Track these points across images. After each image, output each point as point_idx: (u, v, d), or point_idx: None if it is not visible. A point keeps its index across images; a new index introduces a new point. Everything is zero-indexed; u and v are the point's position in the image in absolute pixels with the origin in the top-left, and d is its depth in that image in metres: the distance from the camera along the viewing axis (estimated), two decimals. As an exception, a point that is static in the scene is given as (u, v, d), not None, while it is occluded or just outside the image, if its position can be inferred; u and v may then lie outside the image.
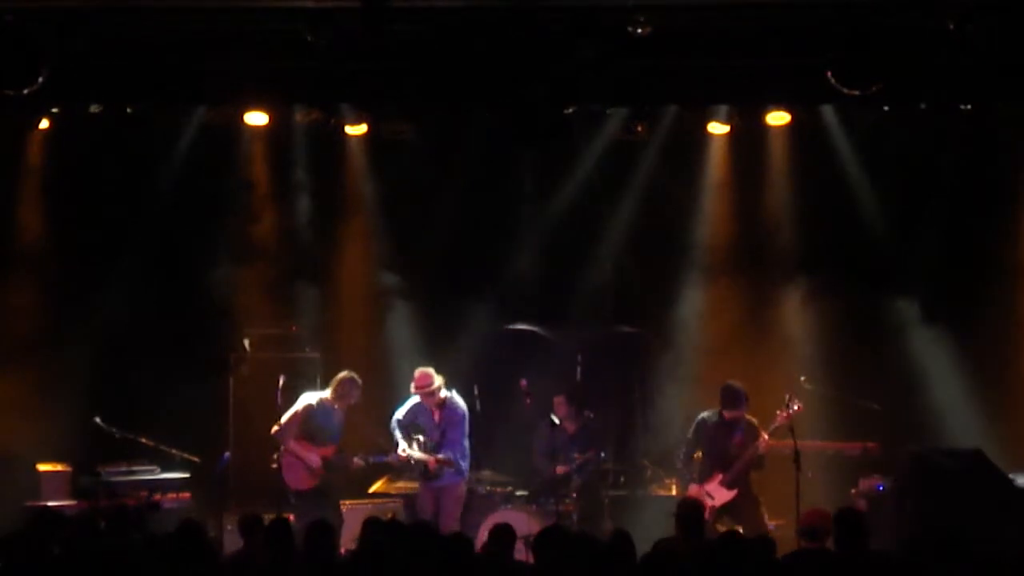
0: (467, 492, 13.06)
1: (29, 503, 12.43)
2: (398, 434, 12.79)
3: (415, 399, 12.87)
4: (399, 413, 12.91)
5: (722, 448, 12.47)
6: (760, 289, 14.55)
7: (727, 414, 12.48)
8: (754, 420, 12.58)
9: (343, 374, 12.73)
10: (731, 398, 12.47)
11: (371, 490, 13.88)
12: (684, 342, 14.59)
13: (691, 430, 12.80)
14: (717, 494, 12.29)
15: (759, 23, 11.56)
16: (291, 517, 10.73)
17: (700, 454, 12.74)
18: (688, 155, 14.44)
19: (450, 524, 12.27)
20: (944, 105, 12.98)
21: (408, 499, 13.26)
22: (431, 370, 12.80)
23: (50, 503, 12.38)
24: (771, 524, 12.39)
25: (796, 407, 12.25)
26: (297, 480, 12.53)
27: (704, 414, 12.70)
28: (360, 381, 12.74)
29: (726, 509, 12.31)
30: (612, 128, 14.09)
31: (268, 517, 9.44)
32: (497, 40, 11.15)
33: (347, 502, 12.82)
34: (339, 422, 12.69)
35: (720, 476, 12.33)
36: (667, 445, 14.03)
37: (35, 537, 8.55)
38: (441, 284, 14.75)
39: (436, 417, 12.81)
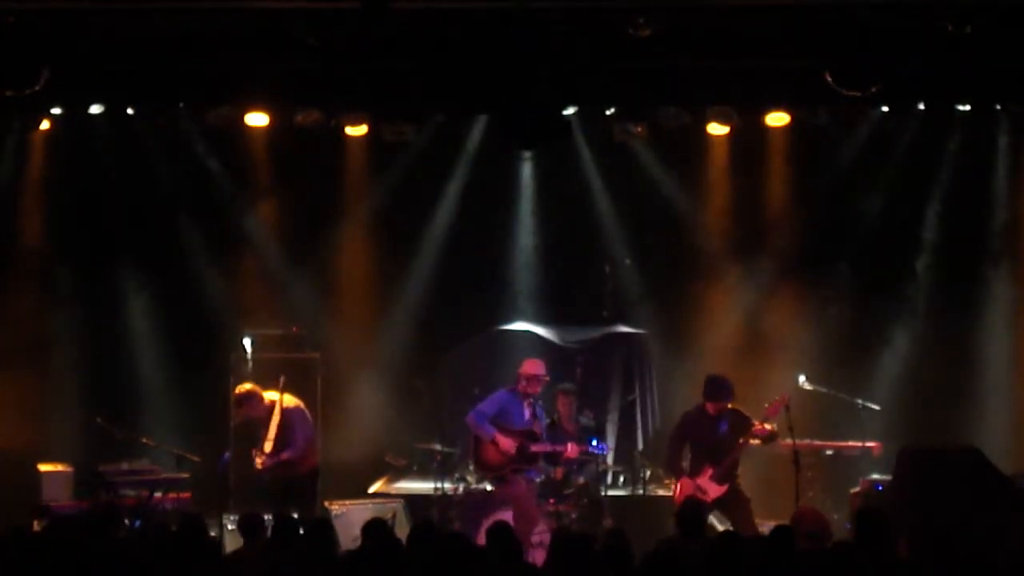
0: (464, 491, 13.11)
1: (30, 503, 12.43)
2: (490, 428, 12.38)
3: (503, 393, 12.59)
4: (484, 407, 12.50)
5: (708, 441, 12.21)
6: (760, 289, 14.58)
7: (710, 406, 12.28)
8: (742, 410, 12.27)
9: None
10: (712, 390, 12.28)
11: (371, 490, 13.91)
12: (683, 342, 14.61)
13: (675, 427, 12.60)
14: (709, 488, 12.12)
15: (758, 24, 11.56)
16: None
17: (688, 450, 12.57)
18: (688, 156, 14.46)
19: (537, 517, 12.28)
20: (943, 106, 13.01)
21: (408, 499, 13.25)
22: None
23: (51, 503, 12.39)
24: (773, 525, 12.36)
25: (781, 397, 12.09)
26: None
27: (689, 410, 12.46)
28: (239, 399, 12.65)
29: (717, 504, 12.18)
30: (612, 128, 14.11)
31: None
32: (497, 40, 11.15)
33: (347, 502, 12.82)
34: (253, 425, 12.75)
35: (710, 470, 12.15)
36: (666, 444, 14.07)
37: (36, 536, 8.57)
38: (441, 284, 14.78)
39: (528, 413, 12.52)
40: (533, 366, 12.54)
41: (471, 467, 13.14)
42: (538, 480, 12.64)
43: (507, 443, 12.36)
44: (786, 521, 10.98)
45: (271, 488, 12.40)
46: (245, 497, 12.49)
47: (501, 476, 12.48)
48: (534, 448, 12.42)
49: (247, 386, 12.63)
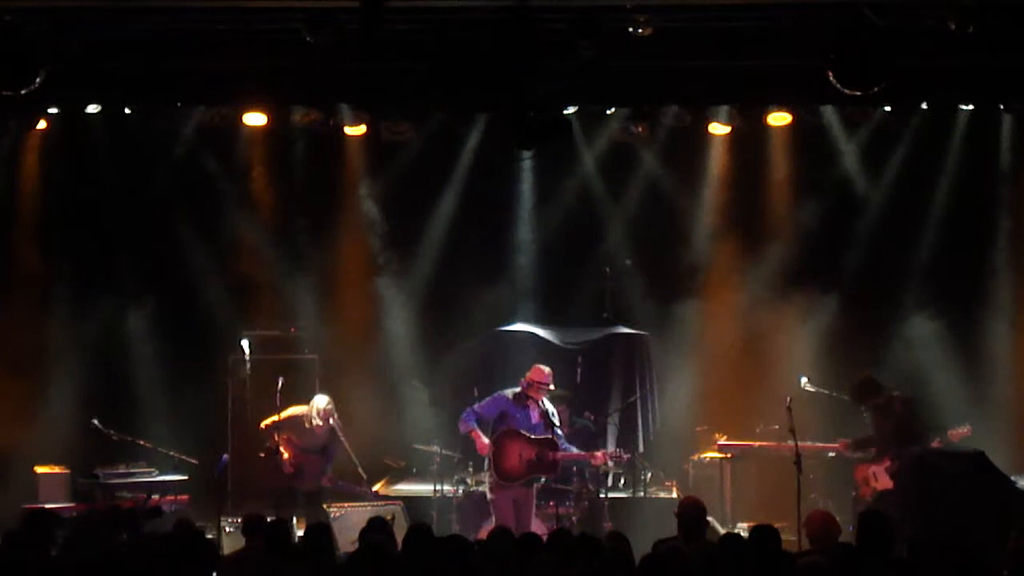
0: (463, 494, 13.03)
1: (27, 505, 12.36)
2: (473, 423, 12.22)
3: (504, 395, 12.39)
4: (478, 407, 12.36)
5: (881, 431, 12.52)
6: (761, 289, 14.52)
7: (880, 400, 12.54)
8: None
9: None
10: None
11: (370, 491, 13.87)
12: (684, 343, 14.56)
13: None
14: (881, 478, 12.31)
15: (759, 23, 11.52)
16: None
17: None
18: (689, 155, 14.43)
19: (530, 523, 12.14)
20: (945, 105, 12.97)
21: (408, 501, 13.20)
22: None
23: (48, 505, 12.32)
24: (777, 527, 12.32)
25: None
26: None
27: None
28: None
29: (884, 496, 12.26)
30: (612, 128, 14.08)
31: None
32: (497, 40, 11.10)
33: (346, 504, 12.76)
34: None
35: (888, 462, 12.34)
36: (666, 446, 14.03)
37: (32, 538, 8.52)
38: (440, 285, 14.73)
39: (536, 417, 12.33)
40: (541, 373, 12.33)
41: (470, 469, 13.06)
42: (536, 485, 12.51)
43: (482, 444, 12.19)
44: (787, 522, 11.02)
45: (306, 495, 12.41)
46: (243, 500, 12.46)
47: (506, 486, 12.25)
48: (553, 456, 12.22)
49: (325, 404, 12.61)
